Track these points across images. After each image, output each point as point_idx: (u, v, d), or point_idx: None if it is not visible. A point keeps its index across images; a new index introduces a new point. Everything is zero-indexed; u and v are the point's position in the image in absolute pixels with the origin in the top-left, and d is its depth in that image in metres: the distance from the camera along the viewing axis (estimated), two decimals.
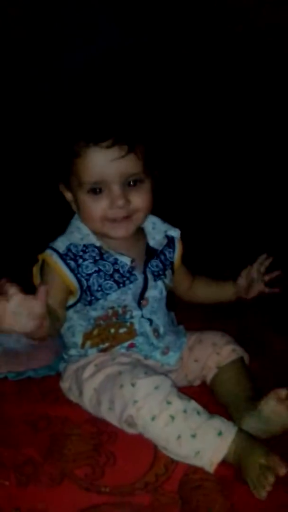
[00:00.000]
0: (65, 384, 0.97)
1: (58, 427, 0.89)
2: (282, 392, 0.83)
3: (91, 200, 0.87)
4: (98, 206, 0.87)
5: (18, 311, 0.70)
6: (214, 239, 1.79)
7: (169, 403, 0.80)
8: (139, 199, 0.87)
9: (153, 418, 0.79)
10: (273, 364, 1.10)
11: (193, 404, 0.82)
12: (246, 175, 2.13)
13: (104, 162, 0.84)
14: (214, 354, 0.97)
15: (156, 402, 0.80)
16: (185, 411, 0.80)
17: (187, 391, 0.87)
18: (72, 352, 0.97)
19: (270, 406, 0.83)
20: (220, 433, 0.78)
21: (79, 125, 0.86)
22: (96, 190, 0.86)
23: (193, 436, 0.78)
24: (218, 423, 0.80)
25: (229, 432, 0.79)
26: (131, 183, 0.86)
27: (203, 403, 0.84)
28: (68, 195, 0.93)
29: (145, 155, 0.86)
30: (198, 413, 0.80)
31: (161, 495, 0.76)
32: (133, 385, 0.82)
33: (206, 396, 0.95)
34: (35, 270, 0.94)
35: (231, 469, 0.79)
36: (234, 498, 0.75)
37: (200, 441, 0.78)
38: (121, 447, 0.85)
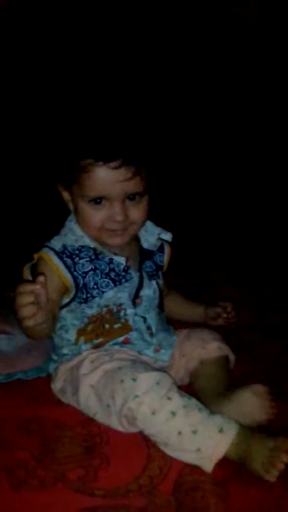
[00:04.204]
0: (56, 385, 0.95)
1: (49, 430, 0.88)
2: (259, 388, 0.86)
3: (91, 209, 0.89)
4: (97, 216, 0.89)
5: (30, 301, 0.76)
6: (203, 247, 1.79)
7: (169, 398, 0.80)
8: (137, 214, 0.90)
9: (153, 413, 0.79)
10: (263, 367, 1.10)
11: (194, 401, 0.82)
12: (242, 187, 2.12)
13: (110, 181, 0.85)
14: (199, 348, 0.98)
15: (157, 397, 0.80)
16: (185, 407, 0.80)
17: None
18: (64, 351, 0.96)
19: (245, 397, 0.85)
20: (221, 430, 0.78)
21: (89, 142, 0.86)
22: (97, 201, 0.88)
23: (194, 432, 0.78)
24: (219, 420, 0.80)
25: (231, 429, 0.79)
26: (131, 196, 0.88)
27: None
28: (66, 195, 0.93)
29: (148, 175, 0.88)
30: (199, 409, 0.80)
31: (156, 497, 0.75)
32: (134, 379, 0.82)
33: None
34: (26, 268, 0.94)
35: (227, 470, 0.79)
36: (229, 499, 0.75)
37: (201, 437, 0.78)
38: (114, 449, 0.84)
